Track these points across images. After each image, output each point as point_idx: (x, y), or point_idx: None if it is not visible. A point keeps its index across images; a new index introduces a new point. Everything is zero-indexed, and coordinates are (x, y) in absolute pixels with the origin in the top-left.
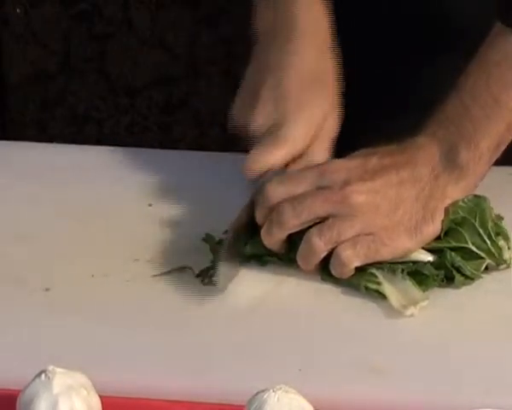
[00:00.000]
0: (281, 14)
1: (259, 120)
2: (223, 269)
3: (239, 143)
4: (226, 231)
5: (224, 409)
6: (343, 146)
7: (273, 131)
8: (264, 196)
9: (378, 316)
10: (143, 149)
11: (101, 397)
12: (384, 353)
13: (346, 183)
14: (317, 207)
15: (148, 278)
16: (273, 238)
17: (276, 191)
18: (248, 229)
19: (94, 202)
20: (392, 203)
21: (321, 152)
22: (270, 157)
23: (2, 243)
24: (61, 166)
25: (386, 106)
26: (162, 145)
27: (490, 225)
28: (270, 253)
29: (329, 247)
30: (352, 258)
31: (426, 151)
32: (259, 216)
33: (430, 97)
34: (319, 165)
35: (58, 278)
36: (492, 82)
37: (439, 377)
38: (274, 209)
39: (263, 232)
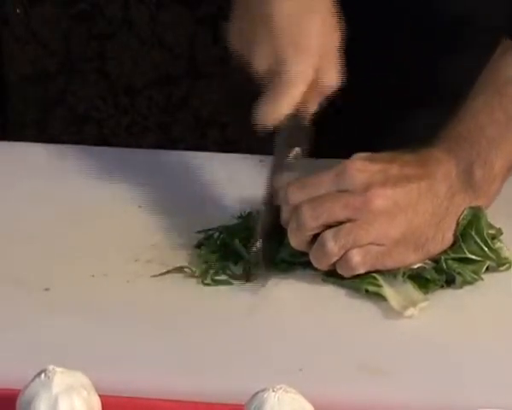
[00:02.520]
0: None
1: (259, 61)
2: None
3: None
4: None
5: (224, 409)
6: (356, 145)
7: (276, 73)
8: (286, 200)
9: (378, 317)
10: (140, 150)
11: (101, 397)
12: (384, 353)
13: (367, 187)
14: (337, 212)
15: (147, 279)
16: (296, 239)
17: (297, 195)
18: (277, 231)
19: (94, 202)
20: (409, 216)
21: (331, 71)
22: (282, 105)
23: (1, 242)
24: (60, 166)
25: (399, 105)
26: (162, 145)
27: (485, 232)
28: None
29: (342, 252)
30: (360, 265)
31: (444, 167)
32: (283, 218)
33: (444, 96)
34: (338, 166)
35: (58, 278)
36: (506, 101)
37: (440, 378)
38: (295, 211)
39: (288, 233)
